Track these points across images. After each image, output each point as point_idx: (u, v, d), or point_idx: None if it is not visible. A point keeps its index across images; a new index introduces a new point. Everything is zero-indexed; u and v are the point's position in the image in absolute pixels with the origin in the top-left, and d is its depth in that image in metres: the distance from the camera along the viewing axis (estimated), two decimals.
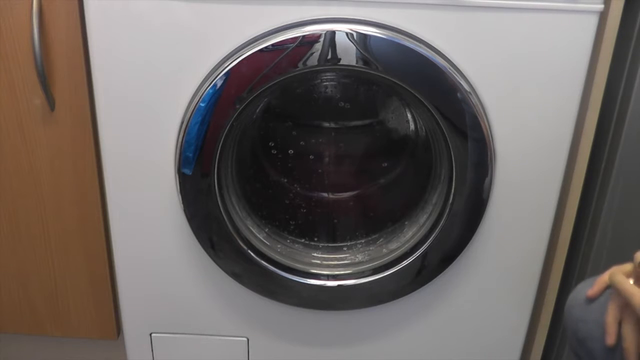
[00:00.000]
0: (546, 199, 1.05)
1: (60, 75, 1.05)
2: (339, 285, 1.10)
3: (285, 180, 1.21)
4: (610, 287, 0.73)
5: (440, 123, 0.96)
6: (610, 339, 0.72)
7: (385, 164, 1.21)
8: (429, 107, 0.95)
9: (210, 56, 0.94)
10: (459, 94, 0.94)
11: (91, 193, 1.13)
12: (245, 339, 1.19)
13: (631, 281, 0.71)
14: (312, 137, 1.17)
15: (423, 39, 0.93)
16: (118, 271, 1.13)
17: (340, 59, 0.92)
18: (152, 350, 1.20)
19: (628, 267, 0.73)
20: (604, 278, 0.75)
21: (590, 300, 0.76)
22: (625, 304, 0.71)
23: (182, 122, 0.98)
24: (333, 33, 0.91)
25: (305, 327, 1.18)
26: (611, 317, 0.72)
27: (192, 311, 1.16)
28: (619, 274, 0.72)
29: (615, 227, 1.06)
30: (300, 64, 0.92)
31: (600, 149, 1.05)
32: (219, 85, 0.93)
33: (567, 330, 0.79)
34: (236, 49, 0.93)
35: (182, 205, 1.02)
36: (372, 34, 0.91)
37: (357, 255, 1.15)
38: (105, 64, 0.96)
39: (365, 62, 0.93)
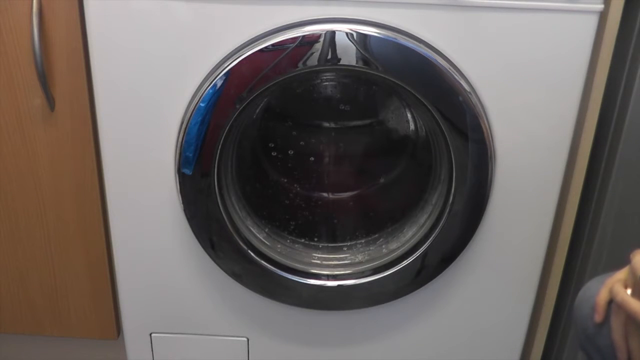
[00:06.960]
0: (546, 199, 1.05)
1: (60, 75, 1.04)
2: (339, 285, 1.10)
3: (285, 180, 1.21)
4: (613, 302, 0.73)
5: (441, 123, 0.96)
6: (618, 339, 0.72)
7: (385, 164, 1.21)
8: (429, 107, 0.95)
9: (210, 56, 0.94)
10: (459, 95, 0.94)
11: (91, 193, 1.13)
12: (245, 339, 1.19)
13: (629, 291, 0.71)
14: (312, 137, 1.17)
15: (423, 39, 0.93)
16: (118, 271, 1.13)
17: (340, 59, 0.92)
18: (152, 350, 1.20)
19: (622, 274, 0.73)
20: (603, 297, 0.73)
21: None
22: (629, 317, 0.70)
23: (182, 122, 0.98)
24: (333, 33, 0.91)
25: (305, 327, 1.18)
26: (618, 329, 0.72)
27: (192, 311, 1.16)
28: (621, 292, 0.70)
29: (615, 227, 1.06)
30: (300, 64, 0.92)
31: (600, 149, 1.05)
32: (219, 85, 0.93)
33: (576, 327, 0.79)
34: (236, 49, 0.93)
35: (182, 205, 1.02)
36: (372, 34, 0.91)
37: (357, 255, 1.15)
38: (105, 64, 0.96)
39: (365, 62, 0.92)
